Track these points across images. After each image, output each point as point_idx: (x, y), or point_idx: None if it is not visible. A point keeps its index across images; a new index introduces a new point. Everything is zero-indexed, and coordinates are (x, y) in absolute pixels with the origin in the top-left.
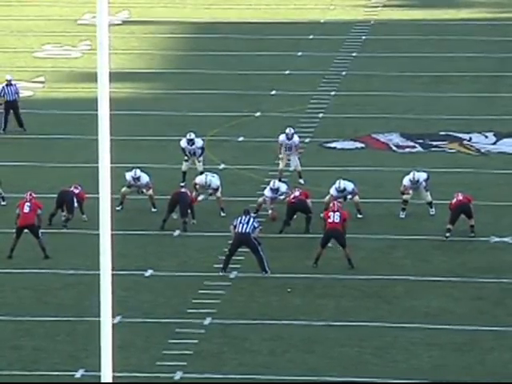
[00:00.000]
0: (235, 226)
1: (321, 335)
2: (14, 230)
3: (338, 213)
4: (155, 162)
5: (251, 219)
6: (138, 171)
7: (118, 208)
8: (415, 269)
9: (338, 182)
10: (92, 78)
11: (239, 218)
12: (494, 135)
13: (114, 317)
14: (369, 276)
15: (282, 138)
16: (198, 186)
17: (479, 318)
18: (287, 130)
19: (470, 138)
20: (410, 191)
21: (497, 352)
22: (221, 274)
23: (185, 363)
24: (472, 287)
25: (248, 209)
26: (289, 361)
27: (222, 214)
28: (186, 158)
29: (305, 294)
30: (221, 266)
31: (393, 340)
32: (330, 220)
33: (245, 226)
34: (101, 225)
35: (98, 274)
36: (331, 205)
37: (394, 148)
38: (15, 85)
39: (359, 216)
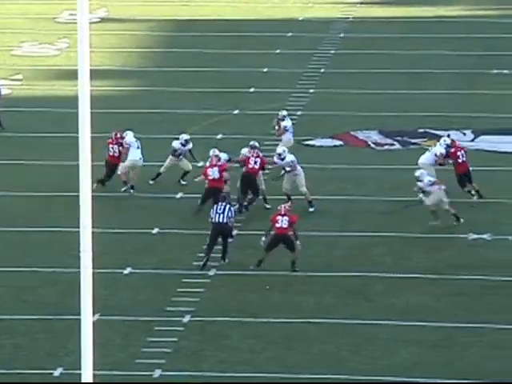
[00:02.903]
0: (212, 218)
1: (300, 332)
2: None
3: (286, 217)
4: None
5: (227, 207)
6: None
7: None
8: (395, 266)
9: (281, 149)
10: (70, 75)
11: (215, 207)
12: (472, 132)
13: (93, 315)
14: (348, 273)
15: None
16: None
17: (459, 314)
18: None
19: (449, 135)
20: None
21: (476, 348)
22: (200, 268)
23: (164, 361)
24: (451, 284)
25: (224, 195)
26: (269, 358)
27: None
28: (172, 158)
29: (284, 291)
30: (201, 263)
31: (373, 337)
32: (278, 225)
33: (221, 215)
34: (81, 224)
35: (78, 272)
36: (279, 208)
37: (373, 145)
38: None
39: (311, 210)
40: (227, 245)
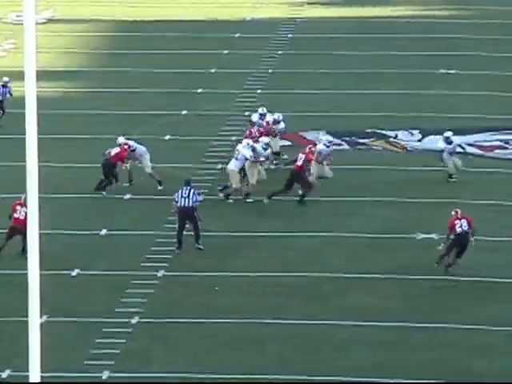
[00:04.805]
0: (177, 201)
1: (252, 334)
2: None
3: (24, 208)
4: (81, 160)
5: (191, 191)
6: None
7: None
8: (346, 267)
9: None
10: (16, 76)
11: (180, 191)
12: (420, 132)
13: (40, 316)
14: (301, 273)
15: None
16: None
17: (410, 314)
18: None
19: (396, 136)
20: None
21: (429, 348)
22: (177, 251)
23: (112, 362)
24: (402, 284)
25: (189, 179)
26: (218, 360)
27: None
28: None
29: (234, 292)
30: (147, 264)
31: (325, 338)
32: (15, 215)
33: (186, 199)
34: (29, 225)
35: (26, 274)
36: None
37: None
38: (10, 86)
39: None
40: (198, 228)
